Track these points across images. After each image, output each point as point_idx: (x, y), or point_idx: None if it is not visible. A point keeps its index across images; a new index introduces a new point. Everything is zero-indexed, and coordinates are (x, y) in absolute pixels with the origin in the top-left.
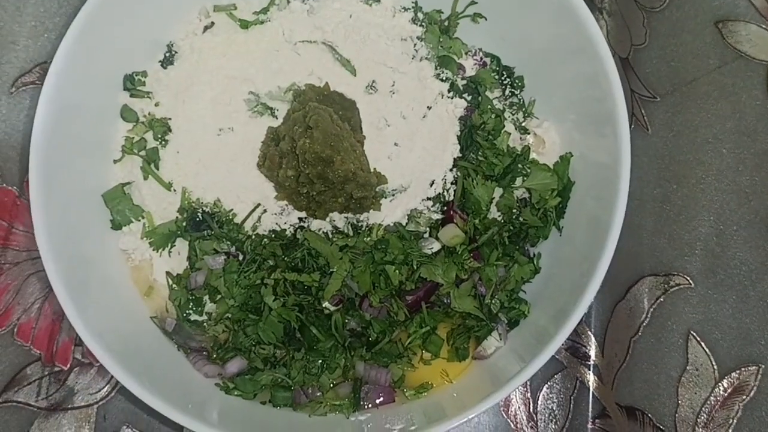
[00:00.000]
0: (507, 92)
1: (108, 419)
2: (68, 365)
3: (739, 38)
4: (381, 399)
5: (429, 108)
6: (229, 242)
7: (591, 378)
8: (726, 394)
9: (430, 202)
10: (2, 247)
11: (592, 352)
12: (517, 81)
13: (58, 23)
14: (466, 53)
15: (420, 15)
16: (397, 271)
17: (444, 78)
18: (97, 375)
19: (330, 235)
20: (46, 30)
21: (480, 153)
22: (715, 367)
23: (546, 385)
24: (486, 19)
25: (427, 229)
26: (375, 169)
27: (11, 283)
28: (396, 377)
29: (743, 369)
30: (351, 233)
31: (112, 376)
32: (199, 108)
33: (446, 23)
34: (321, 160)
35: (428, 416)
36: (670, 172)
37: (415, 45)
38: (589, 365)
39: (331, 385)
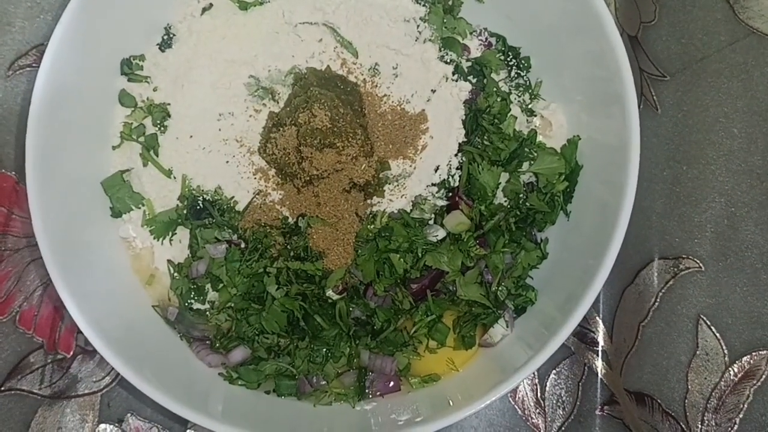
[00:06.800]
0: (513, 73)
1: (112, 407)
2: (71, 353)
3: (752, 14)
4: (386, 388)
5: (433, 91)
6: (230, 230)
7: (599, 364)
8: (736, 379)
9: (435, 188)
10: (2, 234)
11: (601, 338)
12: (523, 62)
13: (54, 4)
14: (470, 33)
15: None
16: (401, 259)
17: (448, 60)
18: (101, 363)
19: None
20: (42, 11)
21: (485, 137)
22: (726, 351)
23: (554, 371)
24: None
25: (432, 215)
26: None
27: (12, 270)
28: (401, 366)
29: (754, 353)
30: None
31: None
32: (198, 93)
33: (450, 2)
34: (320, 132)
35: (434, 407)
36: (680, 153)
37: (418, 26)
38: (598, 351)
39: (336, 374)
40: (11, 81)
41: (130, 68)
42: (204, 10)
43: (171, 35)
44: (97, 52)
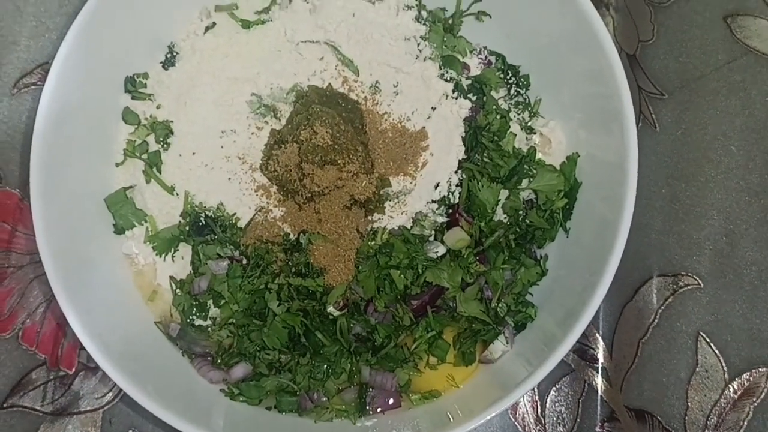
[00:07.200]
0: (512, 91)
1: (114, 424)
2: (73, 369)
3: (749, 33)
4: (387, 404)
5: (433, 109)
6: (232, 247)
7: (599, 380)
8: (736, 397)
9: (435, 205)
10: (6, 251)
11: (600, 355)
12: (522, 80)
13: (59, 23)
14: (470, 52)
15: (424, 13)
16: (402, 275)
17: (448, 78)
18: (103, 379)
19: None
20: (47, 30)
21: (485, 154)
22: (725, 368)
23: (554, 388)
24: (491, 17)
25: (432, 232)
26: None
27: (15, 286)
28: (402, 382)
29: (754, 371)
30: None
31: None
32: (201, 110)
33: (450, 21)
34: (322, 149)
35: (435, 423)
36: (678, 171)
37: (418, 44)
38: (597, 368)
39: (337, 390)
40: (16, 99)
41: (133, 86)
42: (207, 28)
43: (174, 53)
44: (101, 70)
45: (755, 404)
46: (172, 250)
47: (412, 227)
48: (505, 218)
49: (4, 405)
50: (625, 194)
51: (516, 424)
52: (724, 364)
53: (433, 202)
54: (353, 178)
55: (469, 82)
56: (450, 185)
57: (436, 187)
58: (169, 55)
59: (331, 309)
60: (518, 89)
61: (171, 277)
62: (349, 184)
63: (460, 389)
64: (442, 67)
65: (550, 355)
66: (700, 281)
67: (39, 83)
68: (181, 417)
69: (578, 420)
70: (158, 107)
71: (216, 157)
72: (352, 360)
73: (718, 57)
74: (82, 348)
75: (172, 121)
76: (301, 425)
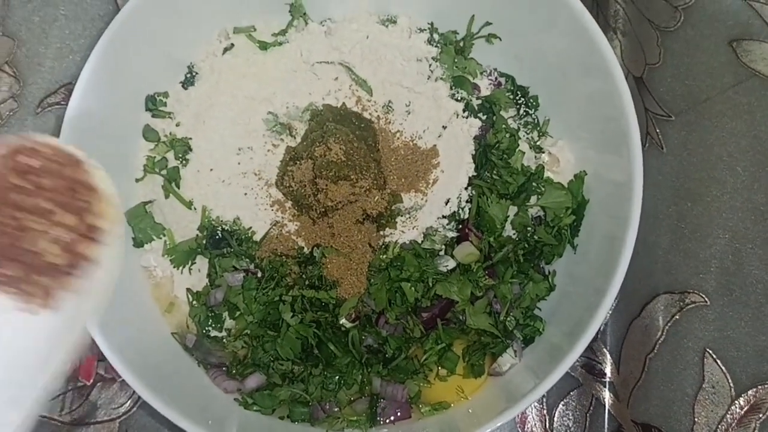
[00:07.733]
0: (522, 112)
1: None
2: (91, 380)
3: (754, 57)
4: (397, 415)
5: (444, 128)
6: (248, 259)
7: (607, 395)
8: (742, 413)
9: (446, 221)
10: None
11: (608, 370)
12: (531, 100)
13: (83, 45)
14: (481, 73)
15: (435, 36)
16: (412, 288)
17: (459, 98)
18: (120, 390)
19: None
20: (71, 51)
21: (495, 172)
22: (732, 385)
23: (562, 402)
24: (501, 40)
25: (443, 246)
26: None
27: None
28: (412, 393)
29: (760, 387)
30: None
31: (133, 392)
32: (218, 128)
33: (461, 44)
34: (335, 164)
35: None
36: (685, 191)
37: (430, 65)
38: (605, 382)
39: (349, 401)
40: (40, 118)
41: (154, 104)
42: (225, 49)
43: (194, 73)
44: (123, 89)
45: (761, 420)
46: (189, 262)
47: (422, 242)
48: (513, 234)
49: None
50: (630, 212)
51: None
52: (730, 381)
53: (444, 217)
54: (366, 193)
55: (480, 102)
56: (460, 201)
57: (446, 203)
58: (188, 75)
59: (343, 321)
60: (527, 109)
61: (188, 289)
62: (361, 199)
63: (469, 401)
64: (453, 88)
65: (556, 367)
66: (706, 298)
67: (63, 102)
68: (197, 425)
69: None
70: (177, 125)
71: (233, 173)
72: (363, 371)
73: (723, 80)
74: (100, 359)
75: (190, 138)
76: None
